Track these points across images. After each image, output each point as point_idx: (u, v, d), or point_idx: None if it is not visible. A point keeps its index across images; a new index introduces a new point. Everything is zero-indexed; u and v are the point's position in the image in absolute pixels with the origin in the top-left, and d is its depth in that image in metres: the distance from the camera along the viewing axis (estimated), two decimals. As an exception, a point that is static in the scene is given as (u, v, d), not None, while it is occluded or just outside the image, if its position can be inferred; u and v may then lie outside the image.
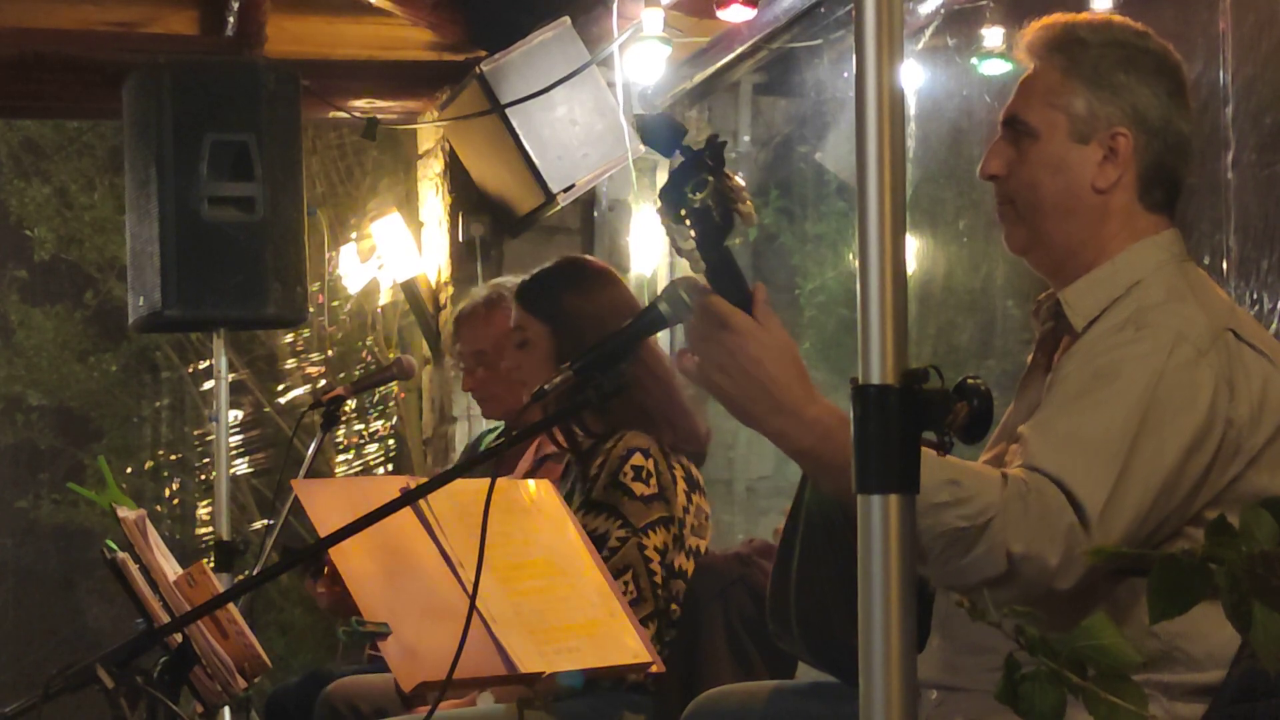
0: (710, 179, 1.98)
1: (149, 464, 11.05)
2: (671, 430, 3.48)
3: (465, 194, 6.04)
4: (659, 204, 2.01)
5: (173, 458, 11.00)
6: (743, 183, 2.02)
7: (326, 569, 3.93)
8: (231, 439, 8.49)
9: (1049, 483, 2.06)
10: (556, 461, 3.87)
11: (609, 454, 3.42)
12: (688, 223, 1.98)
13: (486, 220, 6.01)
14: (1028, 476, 2.07)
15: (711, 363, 2.03)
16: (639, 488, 3.37)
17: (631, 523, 3.35)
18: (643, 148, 5.27)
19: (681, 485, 3.45)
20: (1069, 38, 2.39)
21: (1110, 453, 2.10)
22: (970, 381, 2.08)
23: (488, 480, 2.38)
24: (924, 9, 4.99)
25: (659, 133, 2.04)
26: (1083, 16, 2.45)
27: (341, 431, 8.42)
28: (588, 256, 4.50)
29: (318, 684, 4.19)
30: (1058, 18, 2.43)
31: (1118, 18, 2.46)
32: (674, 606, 3.42)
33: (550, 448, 3.88)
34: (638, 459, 3.39)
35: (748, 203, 2.00)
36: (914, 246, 6.50)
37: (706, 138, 2.01)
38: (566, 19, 5.47)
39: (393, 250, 6.32)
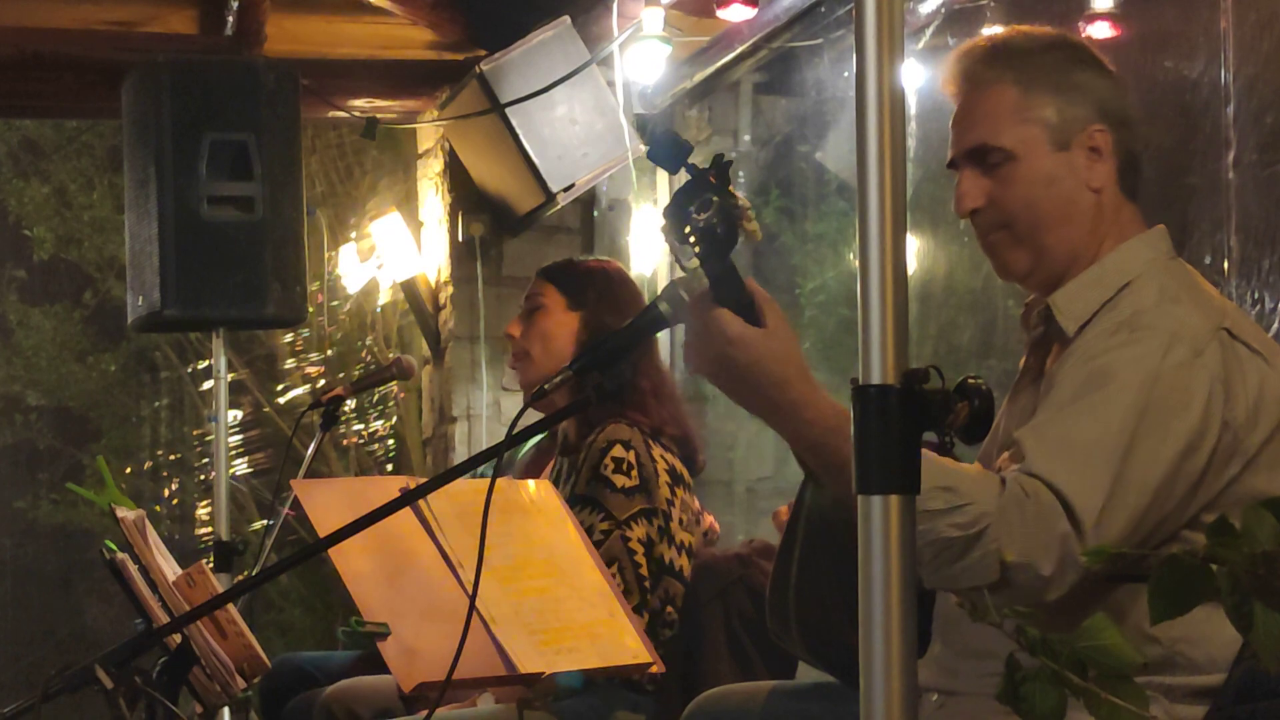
0: (715, 198, 1.97)
1: (148, 464, 11.04)
2: (659, 412, 3.50)
3: (465, 193, 6.04)
4: (664, 222, 2.01)
5: (172, 458, 10.98)
6: (748, 202, 2.02)
7: None
8: (231, 439, 8.50)
9: (1045, 488, 2.05)
10: (548, 455, 3.89)
11: (590, 447, 3.44)
12: (692, 240, 1.99)
13: (486, 220, 6.00)
14: (1025, 482, 2.06)
15: (706, 366, 2.05)
16: (620, 479, 3.39)
17: (614, 515, 3.38)
18: (643, 147, 5.26)
19: (664, 478, 3.46)
20: (1009, 52, 2.37)
21: (1106, 457, 2.09)
22: (971, 381, 2.08)
23: (488, 480, 2.38)
24: (924, 9, 4.98)
25: (665, 150, 2.04)
26: (1001, 33, 2.44)
27: (342, 431, 8.42)
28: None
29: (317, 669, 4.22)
30: (975, 41, 2.42)
31: (1027, 27, 2.45)
32: (669, 610, 3.41)
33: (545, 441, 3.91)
34: (618, 450, 3.41)
35: (753, 221, 2.00)
36: (914, 246, 6.49)
37: (713, 157, 2.00)
38: (566, 18, 5.46)
39: (392, 250, 6.31)
